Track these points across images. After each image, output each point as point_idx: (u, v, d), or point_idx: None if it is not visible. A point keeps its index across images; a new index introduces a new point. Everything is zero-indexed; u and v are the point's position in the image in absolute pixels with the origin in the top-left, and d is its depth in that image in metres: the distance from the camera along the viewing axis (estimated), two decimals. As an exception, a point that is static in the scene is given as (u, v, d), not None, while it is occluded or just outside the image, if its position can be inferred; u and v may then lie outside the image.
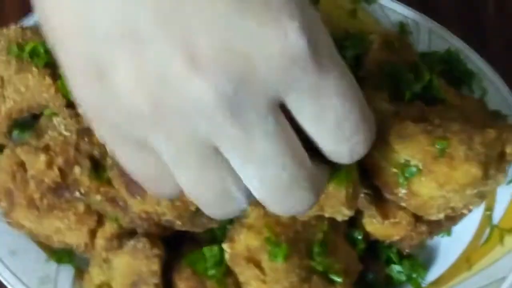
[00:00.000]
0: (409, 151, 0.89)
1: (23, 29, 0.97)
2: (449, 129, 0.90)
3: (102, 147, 0.87)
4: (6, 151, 0.93)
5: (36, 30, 0.98)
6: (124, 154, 0.63)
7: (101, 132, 0.63)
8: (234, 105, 0.54)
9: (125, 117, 0.57)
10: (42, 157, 0.86)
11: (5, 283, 0.97)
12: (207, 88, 0.54)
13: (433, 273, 1.01)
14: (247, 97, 0.55)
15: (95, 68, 0.56)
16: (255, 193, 0.62)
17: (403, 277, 0.99)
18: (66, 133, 0.87)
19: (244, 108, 0.55)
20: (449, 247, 1.02)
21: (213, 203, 0.63)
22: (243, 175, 0.60)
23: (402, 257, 1.00)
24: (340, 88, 0.60)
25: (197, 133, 0.57)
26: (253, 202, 0.84)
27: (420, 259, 1.01)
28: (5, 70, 0.94)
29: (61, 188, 0.87)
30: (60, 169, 0.86)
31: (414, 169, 0.89)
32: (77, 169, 0.87)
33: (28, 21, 1.04)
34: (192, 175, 0.60)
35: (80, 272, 0.98)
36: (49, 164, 0.86)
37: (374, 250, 0.98)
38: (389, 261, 0.99)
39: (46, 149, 0.87)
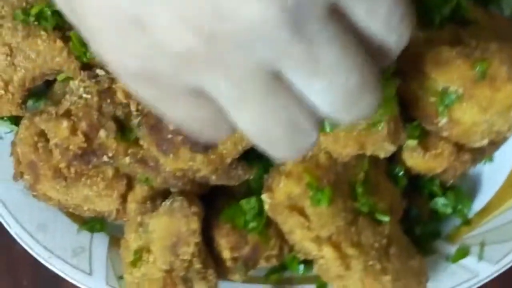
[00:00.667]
0: (447, 77, 0.85)
1: (25, -8, 0.91)
2: (487, 50, 0.85)
3: (125, 107, 0.83)
4: (24, 122, 0.89)
5: (39, -9, 0.92)
6: (175, 107, 0.58)
7: (147, 91, 0.58)
8: (296, 18, 0.50)
9: (177, 63, 0.53)
10: (65, 124, 0.81)
11: (38, 258, 0.93)
12: (266, 5, 0.49)
13: (479, 203, 0.97)
14: (308, 7, 0.51)
15: (135, 20, 0.51)
16: (324, 108, 0.57)
17: (448, 210, 0.96)
18: (87, 96, 0.82)
19: (305, 20, 0.51)
20: (493, 174, 0.98)
21: (281, 139, 0.58)
22: (310, 92, 0.56)
23: (445, 190, 0.96)
24: None
25: (258, 61, 0.52)
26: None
27: (464, 189, 0.97)
28: (12, 37, 0.89)
29: (88, 153, 0.82)
30: (84, 134, 0.82)
31: (453, 95, 0.85)
32: (102, 133, 0.82)
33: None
34: (256, 111, 0.55)
35: (115, 240, 0.95)
36: (73, 130, 0.82)
37: (416, 185, 0.94)
38: (432, 195, 0.96)
39: (68, 114, 0.82)
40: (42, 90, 0.95)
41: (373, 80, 0.58)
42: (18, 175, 0.91)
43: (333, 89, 0.56)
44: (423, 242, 0.94)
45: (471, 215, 0.96)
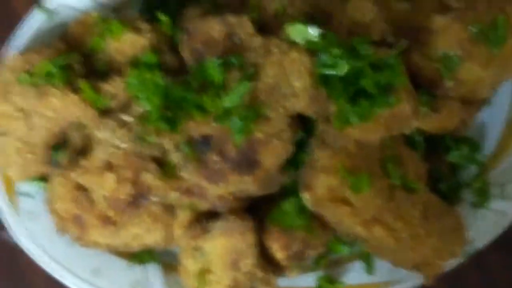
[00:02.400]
0: (446, 43, 0.90)
1: (24, 54, 0.92)
2: (475, 9, 0.90)
3: (160, 146, 0.86)
4: (58, 180, 0.91)
5: (38, 49, 0.93)
6: None
7: None
8: None
9: None
10: (110, 176, 0.84)
11: (99, 301, 0.96)
12: None
13: (489, 147, 1.03)
14: None
15: None
16: None
17: (464, 159, 1.01)
18: (123, 145, 0.85)
19: None
20: (494, 117, 1.04)
21: None
22: None
23: (458, 142, 1.01)
24: None
25: None
26: (319, 145, 0.85)
27: (473, 137, 1.02)
28: (25, 101, 0.90)
29: (138, 198, 0.85)
30: (131, 181, 0.84)
31: (455, 58, 0.90)
32: (146, 176, 0.85)
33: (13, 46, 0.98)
34: None
35: (166, 266, 0.98)
36: (120, 181, 0.84)
37: (431, 145, 0.99)
38: (447, 149, 1.01)
39: (110, 166, 0.85)
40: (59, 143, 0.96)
41: None
42: (63, 230, 0.93)
43: None
44: (449, 196, 0.99)
45: (484, 159, 1.02)
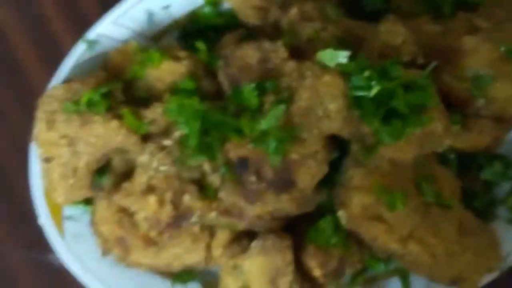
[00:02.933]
0: (476, 62, 0.93)
1: (68, 83, 0.96)
2: (504, 29, 0.92)
3: (199, 168, 0.89)
4: (102, 203, 0.94)
5: (81, 78, 0.97)
6: None
7: None
8: None
9: None
10: (152, 199, 0.88)
11: (143, 321, 1.00)
12: None
13: (523, 163, 1.05)
14: None
15: None
16: None
17: (497, 177, 1.03)
18: (164, 168, 0.88)
19: None
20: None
21: None
22: None
23: (491, 159, 1.03)
24: None
25: None
26: (353, 164, 0.88)
27: (506, 154, 1.04)
28: (69, 128, 0.94)
29: (178, 219, 0.89)
30: (172, 203, 0.88)
31: (486, 77, 0.92)
32: (186, 197, 0.88)
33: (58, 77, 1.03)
34: None
35: (208, 285, 1.01)
36: (161, 203, 0.88)
37: (464, 163, 1.01)
38: (480, 167, 1.03)
39: (151, 189, 0.88)
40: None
41: None
42: (107, 251, 0.96)
43: None
44: (484, 213, 1.01)
45: (518, 176, 1.04)
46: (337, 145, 0.93)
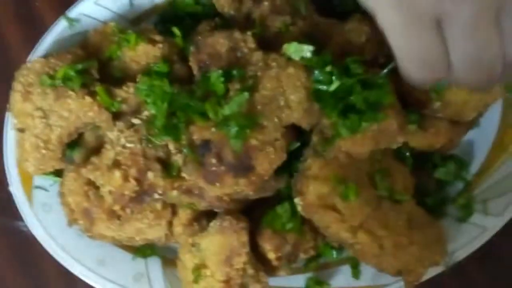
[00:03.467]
0: (435, 67, 0.97)
1: (46, 58, 1.00)
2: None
3: (164, 147, 0.94)
4: (71, 175, 0.99)
5: (59, 54, 1.01)
6: (418, 36, 0.78)
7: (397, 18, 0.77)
8: None
9: None
10: (117, 173, 0.92)
11: (103, 289, 1.04)
12: None
13: (475, 165, 1.10)
14: None
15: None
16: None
17: (450, 176, 1.08)
18: (131, 145, 0.92)
19: None
20: (481, 138, 1.10)
21: (487, 69, 0.79)
22: None
23: (445, 160, 1.08)
24: None
25: None
26: (312, 154, 0.92)
27: (460, 156, 1.09)
28: (44, 101, 0.97)
29: (141, 195, 0.93)
30: (135, 179, 0.92)
31: (443, 81, 0.96)
32: (150, 174, 0.93)
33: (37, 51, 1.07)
34: (480, 40, 0.75)
35: (166, 260, 1.06)
36: (125, 178, 0.92)
37: (419, 161, 1.06)
38: (435, 166, 1.08)
39: (117, 164, 0.92)
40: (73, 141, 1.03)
41: None
42: (72, 222, 1.00)
43: None
44: (435, 209, 1.06)
45: (470, 177, 1.09)
46: (299, 135, 0.97)
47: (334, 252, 1.05)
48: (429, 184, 1.08)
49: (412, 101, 1.00)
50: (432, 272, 1.01)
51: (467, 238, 1.04)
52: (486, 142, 1.10)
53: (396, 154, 1.03)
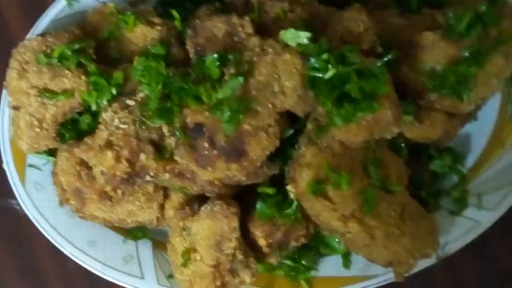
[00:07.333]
0: (434, 58, 0.96)
1: (43, 37, 0.99)
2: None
3: (158, 130, 0.93)
4: (64, 154, 0.98)
5: (56, 33, 1.00)
6: None
7: None
8: None
9: None
10: (109, 154, 0.91)
11: (92, 270, 1.04)
12: None
13: (471, 158, 1.09)
14: None
15: None
16: None
17: (446, 169, 1.08)
18: (124, 126, 0.92)
19: None
20: (478, 131, 1.10)
21: None
22: None
23: (441, 152, 1.07)
24: None
25: None
26: (307, 142, 0.92)
27: (457, 149, 1.09)
28: (39, 80, 0.97)
29: (133, 176, 0.92)
30: (127, 160, 0.92)
31: (441, 73, 0.96)
32: (142, 156, 0.92)
33: (36, 30, 1.06)
34: None
35: (157, 243, 1.06)
36: (117, 159, 0.92)
37: (415, 153, 1.06)
38: (430, 158, 1.07)
39: (110, 145, 0.92)
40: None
41: None
42: (64, 202, 1.00)
43: None
44: (429, 202, 1.06)
45: (465, 171, 1.08)
46: (294, 123, 0.97)
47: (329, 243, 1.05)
48: (424, 176, 1.07)
49: (410, 92, 0.99)
50: (423, 264, 1.00)
51: (460, 232, 1.04)
52: (483, 136, 1.09)
53: (391, 144, 1.02)
